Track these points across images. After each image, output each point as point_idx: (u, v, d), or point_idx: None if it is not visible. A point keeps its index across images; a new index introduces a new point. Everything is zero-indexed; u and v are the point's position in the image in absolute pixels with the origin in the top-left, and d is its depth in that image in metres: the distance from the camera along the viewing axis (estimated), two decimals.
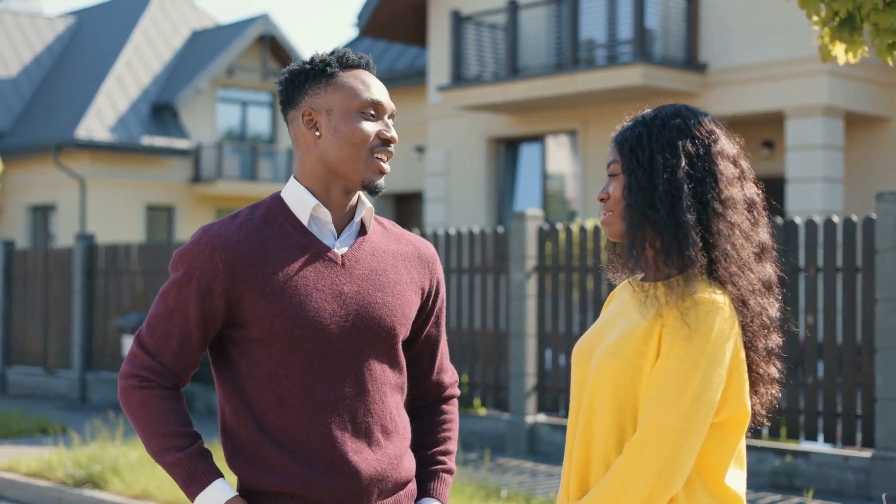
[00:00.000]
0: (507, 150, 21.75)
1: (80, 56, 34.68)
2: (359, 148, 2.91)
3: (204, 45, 34.21)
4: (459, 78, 20.52)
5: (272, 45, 34.49)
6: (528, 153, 21.58)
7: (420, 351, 3.14)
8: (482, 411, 12.27)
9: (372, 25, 23.10)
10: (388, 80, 24.90)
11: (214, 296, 2.84)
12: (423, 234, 12.97)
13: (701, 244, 2.71)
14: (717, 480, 2.72)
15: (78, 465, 9.97)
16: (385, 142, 2.94)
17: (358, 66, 2.99)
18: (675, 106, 2.85)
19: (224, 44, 33.58)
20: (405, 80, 24.92)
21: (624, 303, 2.87)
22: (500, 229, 12.22)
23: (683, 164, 2.73)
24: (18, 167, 32.08)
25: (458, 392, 3.27)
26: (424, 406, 3.20)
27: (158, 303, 2.90)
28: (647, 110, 2.86)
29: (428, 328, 3.13)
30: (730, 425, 2.72)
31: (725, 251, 2.72)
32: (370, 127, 2.92)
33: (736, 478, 2.76)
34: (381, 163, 2.93)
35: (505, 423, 11.76)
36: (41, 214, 32.62)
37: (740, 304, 2.73)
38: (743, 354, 2.72)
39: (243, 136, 34.50)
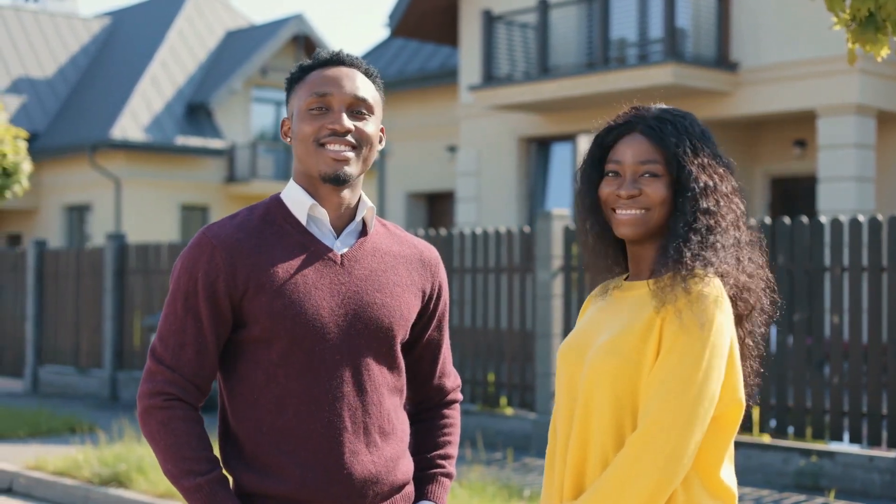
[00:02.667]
0: (538, 150, 21.71)
1: (115, 56, 34.89)
2: (306, 143, 2.90)
3: (238, 45, 34.34)
4: (490, 77, 20.50)
5: (306, 45, 34.57)
6: (559, 153, 21.53)
7: (421, 355, 3.12)
8: (508, 411, 12.26)
9: (403, 25, 23.12)
10: (421, 80, 24.95)
11: (220, 295, 2.83)
12: (451, 234, 12.97)
13: (699, 245, 2.75)
14: (712, 474, 2.73)
15: (104, 464, 10.03)
16: (334, 132, 2.89)
17: (326, 64, 2.97)
18: (694, 116, 2.88)
19: (258, 44, 33.70)
20: (437, 79, 24.91)
21: (611, 303, 2.87)
22: (527, 229, 12.20)
23: (722, 176, 2.81)
24: (54, 167, 32.30)
25: (460, 397, 3.24)
26: (426, 410, 3.18)
27: (167, 314, 2.87)
28: (677, 113, 2.85)
29: (429, 332, 3.11)
30: (725, 419, 2.73)
31: (722, 248, 2.75)
32: (315, 122, 2.89)
33: (729, 472, 2.77)
34: (336, 152, 2.88)
35: (531, 423, 11.74)
36: (77, 214, 32.82)
37: (734, 300, 2.76)
38: (738, 349, 2.75)
39: (277, 136, 34.55)
